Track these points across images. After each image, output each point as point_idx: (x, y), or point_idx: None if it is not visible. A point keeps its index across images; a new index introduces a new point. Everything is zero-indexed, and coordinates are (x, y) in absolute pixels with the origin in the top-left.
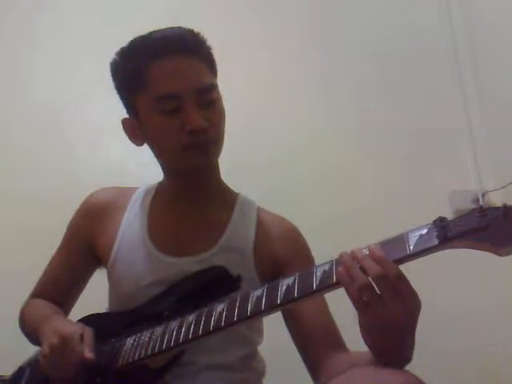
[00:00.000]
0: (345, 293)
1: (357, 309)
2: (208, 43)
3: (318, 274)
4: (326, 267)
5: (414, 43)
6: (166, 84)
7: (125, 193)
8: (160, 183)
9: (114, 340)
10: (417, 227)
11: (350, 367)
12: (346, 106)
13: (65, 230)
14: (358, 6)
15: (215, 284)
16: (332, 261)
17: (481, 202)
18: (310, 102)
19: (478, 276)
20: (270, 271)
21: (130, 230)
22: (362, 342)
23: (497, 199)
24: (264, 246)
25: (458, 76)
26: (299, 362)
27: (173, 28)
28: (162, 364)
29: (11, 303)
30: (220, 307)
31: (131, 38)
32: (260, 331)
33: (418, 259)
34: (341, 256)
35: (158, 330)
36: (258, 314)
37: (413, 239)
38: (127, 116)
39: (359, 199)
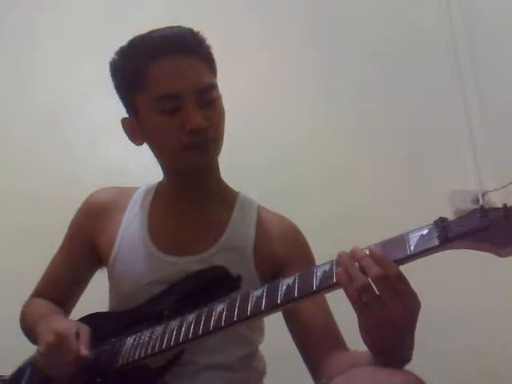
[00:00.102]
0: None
1: (356, 309)
2: (207, 42)
3: (319, 274)
4: (327, 267)
5: (414, 43)
6: (165, 84)
7: (125, 193)
8: (160, 183)
9: (114, 339)
10: (417, 227)
11: (350, 367)
12: (346, 106)
13: (65, 230)
14: (358, 6)
15: (215, 284)
16: (332, 261)
17: (481, 202)
18: (310, 102)
19: (477, 276)
20: (270, 270)
21: (130, 229)
22: (362, 341)
23: (497, 199)
24: (264, 245)
25: (458, 76)
26: (300, 361)
27: (172, 27)
28: (162, 364)
29: (11, 303)
30: (220, 307)
31: (131, 38)
32: (261, 331)
33: (419, 261)
34: (339, 255)
35: (158, 329)
36: (258, 314)
37: (413, 240)
38: (127, 116)
39: (359, 199)
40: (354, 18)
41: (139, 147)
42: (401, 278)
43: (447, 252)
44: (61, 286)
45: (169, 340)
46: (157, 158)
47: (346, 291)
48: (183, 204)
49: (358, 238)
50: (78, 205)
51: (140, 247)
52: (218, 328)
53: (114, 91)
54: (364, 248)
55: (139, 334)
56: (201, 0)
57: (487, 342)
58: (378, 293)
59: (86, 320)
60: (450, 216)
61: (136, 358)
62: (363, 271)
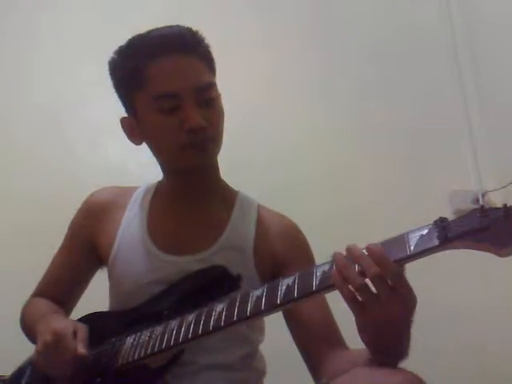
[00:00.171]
0: None
1: (352, 309)
2: (206, 41)
3: (318, 274)
4: (326, 267)
5: (414, 43)
6: (164, 83)
7: (125, 192)
8: (159, 182)
9: (113, 339)
10: (417, 227)
11: (350, 365)
12: (346, 106)
13: (65, 230)
14: (358, 6)
15: (215, 283)
16: (332, 261)
17: (481, 202)
18: (310, 101)
19: (477, 276)
20: (270, 269)
21: (129, 229)
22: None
23: (497, 199)
24: (264, 244)
25: (458, 76)
26: (300, 361)
27: (171, 27)
28: (162, 363)
29: (11, 303)
30: (220, 307)
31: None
32: (261, 330)
33: (418, 261)
34: (334, 256)
35: (158, 329)
36: (258, 314)
37: (413, 240)
38: (126, 115)
39: (359, 199)
40: (353, 18)
41: (139, 147)
42: (401, 276)
43: (447, 252)
44: (61, 286)
45: (168, 340)
46: (156, 157)
47: (341, 292)
48: (183, 203)
49: (357, 237)
50: (77, 205)
51: (139, 247)
52: (217, 328)
53: (114, 91)
54: (362, 248)
55: (139, 333)
56: (201, 0)
57: (487, 341)
58: (375, 292)
59: (85, 319)
60: (449, 216)
61: (136, 357)
62: (361, 271)
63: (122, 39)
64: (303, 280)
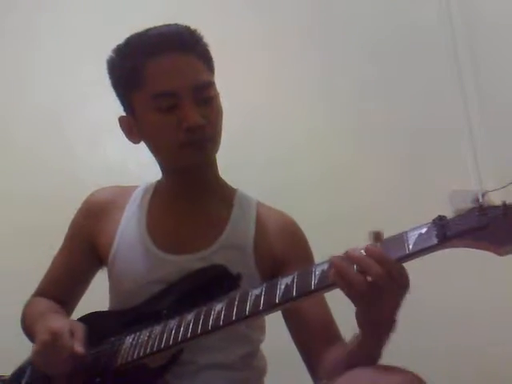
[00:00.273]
0: None
1: (354, 303)
2: (205, 40)
3: (317, 273)
4: (325, 266)
5: (414, 43)
6: (162, 81)
7: (124, 192)
8: (158, 181)
9: (113, 339)
10: (416, 226)
11: (344, 361)
12: (346, 106)
13: (65, 230)
14: (358, 5)
15: (215, 283)
16: (331, 260)
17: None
18: (310, 101)
19: (477, 276)
20: (271, 267)
21: (129, 228)
22: None
23: (497, 199)
24: (264, 242)
25: (458, 76)
26: (300, 361)
27: (169, 25)
28: (162, 363)
29: (11, 303)
30: (219, 306)
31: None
32: (261, 329)
33: (418, 261)
34: (332, 260)
35: (157, 328)
36: (257, 313)
37: (412, 238)
38: (124, 114)
39: (359, 199)
40: (353, 18)
41: (139, 147)
42: (403, 273)
43: (446, 251)
44: (62, 286)
45: (167, 339)
46: (154, 156)
47: (347, 294)
48: (182, 202)
49: (357, 237)
50: (77, 205)
51: (139, 246)
52: (216, 327)
53: (112, 90)
54: (360, 248)
55: (138, 333)
56: (200, 0)
57: (487, 342)
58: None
59: (85, 319)
60: (450, 216)
61: (135, 357)
62: (363, 272)
63: (122, 39)
64: (302, 279)
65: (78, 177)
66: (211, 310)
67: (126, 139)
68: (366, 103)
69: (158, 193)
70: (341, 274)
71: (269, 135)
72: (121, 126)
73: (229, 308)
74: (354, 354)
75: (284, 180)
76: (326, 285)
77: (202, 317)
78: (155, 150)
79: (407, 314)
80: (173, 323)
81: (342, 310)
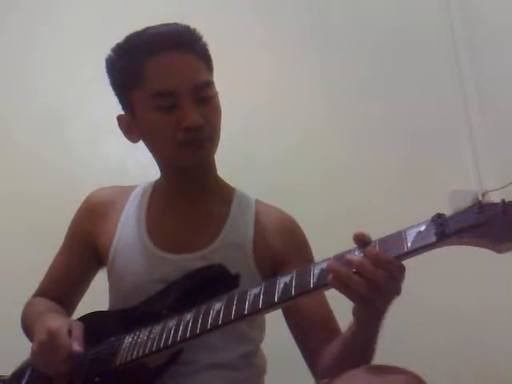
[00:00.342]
0: None
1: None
2: (204, 40)
3: (316, 271)
4: (324, 265)
5: (414, 43)
6: (162, 80)
7: (124, 191)
8: (157, 181)
9: (112, 339)
10: (415, 224)
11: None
12: (346, 106)
13: (65, 230)
14: (358, 5)
15: (214, 282)
16: (330, 258)
17: None
18: (310, 101)
19: (477, 275)
20: (270, 265)
21: (128, 228)
22: None
23: (497, 199)
24: (263, 240)
25: (458, 76)
26: (300, 359)
27: (168, 24)
28: (161, 362)
29: (11, 303)
30: (218, 305)
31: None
32: (261, 328)
33: (418, 260)
34: (328, 266)
35: (157, 328)
36: (256, 312)
37: (410, 236)
38: (123, 113)
39: (359, 199)
40: (353, 18)
41: (139, 147)
42: (402, 271)
43: (446, 250)
44: (62, 286)
45: (167, 339)
46: (153, 155)
47: (346, 296)
48: (181, 201)
49: None
50: (77, 204)
51: (138, 246)
52: (215, 326)
53: (111, 89)
54: (354, 249)
55: (137, 332)
56: (201, 0)
57: (487, 341)
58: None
59: (85, 319)
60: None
61: (134, 356)
62: (364, 277)
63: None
64: (300, 278)
65: (77, 177)
66: (210, 309)
67: (125, 139)
68: (366, 103)
69: (156, 192)
70: (341, 280)
71: (269, 135)
72: (119, 124)
73: (228, 307)
74: (348, 343)
75: (284, 180)
76: (324, 283)
77: (201, 316)
78: (154, 149)
79: (407, 313)
80: (172, 323)
81: (342, 306)
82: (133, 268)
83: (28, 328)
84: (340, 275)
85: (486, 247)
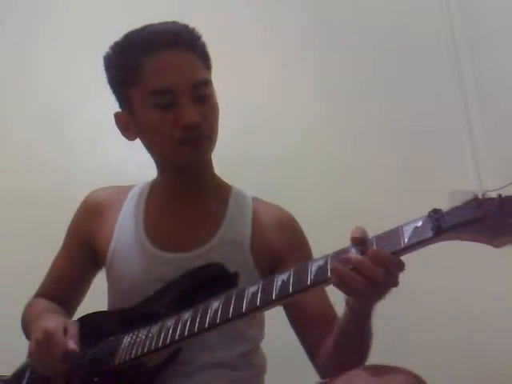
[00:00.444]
0: None
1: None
2: (203, 39)
3: (313, 269)
4: (321, 262)
5: (414, 43)
6: (160, 78)
7: (122, 191)
8: (154, 180)
9: (111, 338)
10: (412, 220)
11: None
12: (346, 105)
13: (64, 230)
14: (358, 5)
15: (212, 281)
16: (327, 256)
17: None
18: (310, 101)
19: (477, 273)
20: (268, 262)
21: (126, 227)
22: None
23: None
24: (260, 237)
25: (458, 76)
26: (300, 359)
27: (167, 23)
28: (160, 362)
29: (10, 303)
30: (215, 304)
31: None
32: (261, 326)
33: (418, 259)
34: (332, 267)
35: (155, 327)
36: (254, 310)
37: (407, 232)
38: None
39: (359, 199)
40: (353, 18)
41: (138, 148)
42: (401, 267)
43: (448, 250)
44: (62, 286)
45: (165, 338)
46: (150, 153)
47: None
48: (178, 200)
49: None
50: (77, 204)
51: (136, 245)
52: (213, 325)
53: (109, 86)
54: (351, 246)
55: (136, 332)
56: (200, 0)
57: (487, 340)
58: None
59: (84, 319)
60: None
61: (133, 356)
62: (364, 276)
63: None
64: (298, 275)
65: (77, 177)
66: (208, 308)
67: (125, 139)
68: (366, 103)
69: (154, 191)
70: (341, 279)
71: (269, 135)
72: (116, 122)
73: (226, 305)
74: (343, 329)
75: (284, 180)
76: (322, 280)
77: (199, 315)
78: (151, 147)
79: (407, 313)
80: (170, 322)
81: (342, 300)
82: (131, 268)
83: (27, 328)
84: (340, 274)
85: (483, 242)
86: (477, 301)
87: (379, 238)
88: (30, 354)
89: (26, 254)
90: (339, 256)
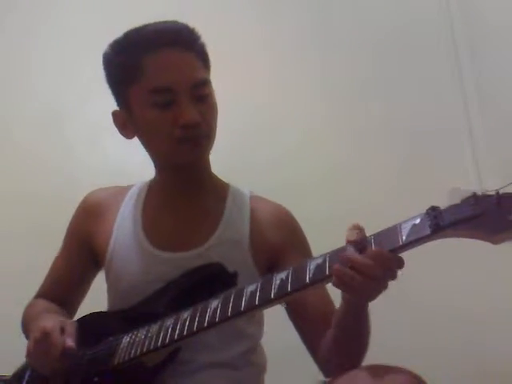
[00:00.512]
0: None
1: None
2: (203, 39)
3: (311, 267)
4: (319, 261)
5: (414, 43)
6: (159, 77)
7: (120, 191)
8: (152, 179)
9: (111, 338)
10: (410, 217)
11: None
12: (346, 106)
13: (63, 230)
14: (358, 5)
15: (211, 280)
16: (325, 254)
17: None
18: (310, 101)
19: (477, 273)
20: (267, 259)
21: (124, 227)
22: None
23: None
24: (259, 235)
25: (458, 76)
26: (301, 359)
27: (167, 22)
28: (159, 361)
29: (10, 303)
30: (214, 303)
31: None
32: (260, 324)
33: (418, 259)
34: (332, 269)
35: (154, 327)
36: (252, 308)
37: (405, 229)
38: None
39: (359, 199)
40: (353, 18)
41: (138, 148)
42: (402, 264)
43: (448, 249)
44: (62, 287)
45: (164, 337)
46: (148, 152)
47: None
48: (176, 199)
49: None
50: (77, 205)
51: (135, 245)
52: (212, 324)
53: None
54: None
55: (135, 332)
56: (200, 0)
57: (487, 340)
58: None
59: (84, 320)
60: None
61: (132, 356)
62: (365, 276)
63: None
64: (297, 274)
65: (77, 177)
66: (207, 307)
67: (125, 139)
68: (366, 103)
69: (152, 191)
70: (342, 280)
71: (269, 135)
72: (114, 120)
73: (224, 304)
74: (340, 321)
75: (284, 180)
76: (320, 279)
77: (198, 314)
78: (150, 145)
79: (407, 313)
80: (169, 321)
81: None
82: (130, 268)
83: (26, 329)
84: (341, 274)
85: (481, 239)
86: (476, 301)
87: (377, 235)
88: (29, 354)
89: (26, 254)
90: (338, 255)
